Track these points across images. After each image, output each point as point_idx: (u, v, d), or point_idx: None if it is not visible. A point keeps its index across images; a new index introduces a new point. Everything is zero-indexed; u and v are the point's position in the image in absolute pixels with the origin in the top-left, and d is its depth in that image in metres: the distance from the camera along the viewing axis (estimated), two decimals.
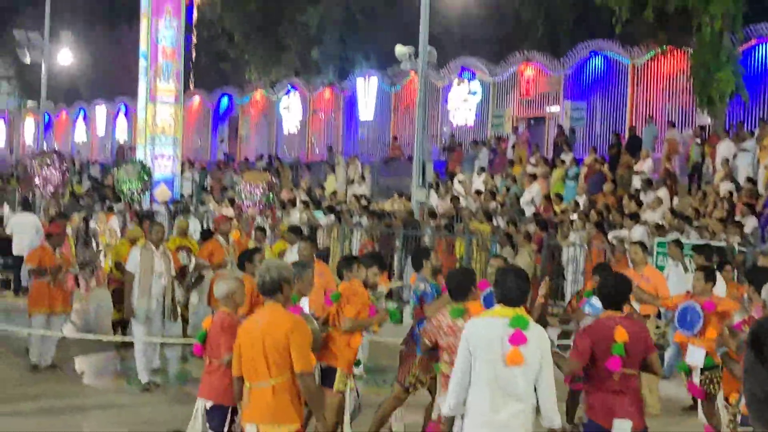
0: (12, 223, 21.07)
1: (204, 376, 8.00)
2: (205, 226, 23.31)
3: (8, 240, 20.90)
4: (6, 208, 25.08)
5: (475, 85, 34.32)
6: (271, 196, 24.74)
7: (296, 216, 24.73)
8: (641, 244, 13.70)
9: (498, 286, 6.85)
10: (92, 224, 21.75)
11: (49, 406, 11.99)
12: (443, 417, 7.07)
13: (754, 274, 9.26)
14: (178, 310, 13.96)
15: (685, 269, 14.44)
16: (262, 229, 18.31)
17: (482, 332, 6.73)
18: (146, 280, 12.85)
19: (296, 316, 7.32)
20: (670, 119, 27.58)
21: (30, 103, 57.35)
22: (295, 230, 15.97)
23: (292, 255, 13.88)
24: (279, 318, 7.03)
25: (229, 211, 26.52)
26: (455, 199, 25.12)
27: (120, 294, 16.24)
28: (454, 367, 6.91)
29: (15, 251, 20.20)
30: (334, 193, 30.01)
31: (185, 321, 16.05)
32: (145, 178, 22.17)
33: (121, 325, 16.09)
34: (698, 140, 24.92)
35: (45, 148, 38.38)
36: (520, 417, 6.65)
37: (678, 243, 15.27)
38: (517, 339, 6.58)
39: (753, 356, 2.53)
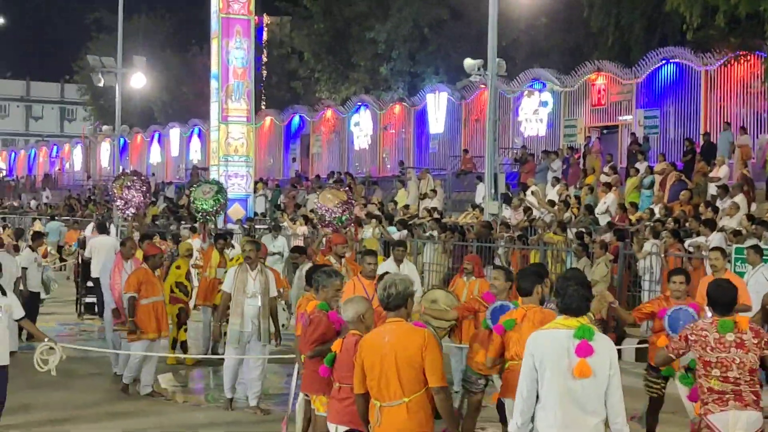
0: (90, 246, 21.15)
1: (333, 402, 7.79)
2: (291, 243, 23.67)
3: (89, 263, 20.93)
4: (88, 230, 25.35)
5: (546, 96, 34.12)
6: (343, 217, 24.81)
7: (369, 232, 24.75)
8: (721, 250, 13.46)
9: (559, 295, 6.72)
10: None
11: (135, 425, 12.12)
12: None
13: None
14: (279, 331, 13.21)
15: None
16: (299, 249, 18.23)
17: (547, 345, 6.56)
18: (239, 301, 12.63)
19: (426, 330, 7.08)
20: (744, 124, 27.17)
21: (105, 127, 58.17)
22: (402, 244, 15.68)
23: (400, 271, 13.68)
24: (409, 333, 6.90)
25: (303, 229, 26.67)
26: (528, 211, 24.98)
27: (183, 313, 16.51)
28: (519, 383, 6.69)
29: (93, 273, 20.21)
30: (406, 207, 29.99)
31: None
32: (221, 199, 22.30)
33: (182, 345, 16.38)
34: None
35: (123, 170, 38.91)
36: (591, 430, 6.49)
37: (757, 249, 15.02)
38: (584, 350, 6.44)
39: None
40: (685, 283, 10.45)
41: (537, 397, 6.56)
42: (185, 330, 16.51)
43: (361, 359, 7.01)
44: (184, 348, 16.44)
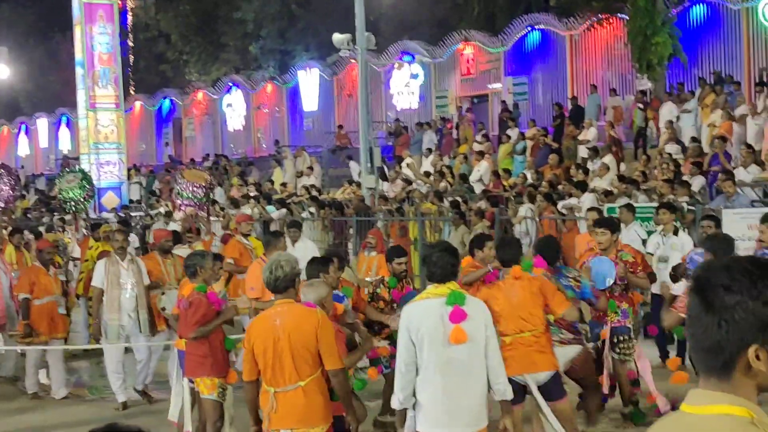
0: None
1: None
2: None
3: None
4: None
5: (416, 68, 34.36)
6: (210, 195, 24.52)
7: (248, 212, 24.60)
8: (597, 209, 13.76)
9: (426, 264, 6.70)
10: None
11: (20, 423, 11.90)
12: (397, 411, 6.89)
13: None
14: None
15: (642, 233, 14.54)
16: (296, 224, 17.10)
17: (422, 316, 6.51)
18: (114, 295, 12.01)
19: (319, 310, 6.87)
20: (611, 87, 27.79)
21: None
22: (297, 226, 15.02)
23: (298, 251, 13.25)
24: (302, 315, 6.71)
25: (180, 214, 26.39)
26: (405, 183, 25.14)
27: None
28: (397, 358, 6.64)
29: None
30: (284, 185, 29.93)
31: None
32: (87, 185, 21.84)
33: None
34: (640, 105, 25.11)
35: None
36: (476, 395, 6.52)
37: (630, 207, 15.35)
38: (458, 316, 6.42)
39: (698, 303, 2.53)
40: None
41: (416, 369, 6.51)
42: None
43: (251, 344, 6.74)
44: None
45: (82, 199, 21.61)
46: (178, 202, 21.95)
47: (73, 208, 21.59)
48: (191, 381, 9.08)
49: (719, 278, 2.50)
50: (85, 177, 22.11)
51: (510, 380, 6.88)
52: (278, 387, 6.66)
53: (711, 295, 2.48)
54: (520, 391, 7.74)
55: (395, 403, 6.68)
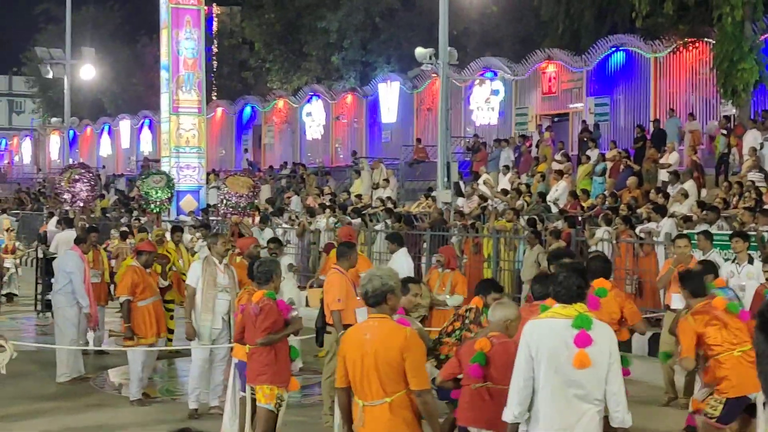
0: (57, 241, 20.11)
1: (475, 401, 7.58)
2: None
3: (54, 259, 19.38)
4: (51, 224, 24.52)
5: (498, 85, 34.23)
6: (254, 202, 24.53)
7: (323, 222, 24.70)
8: (687, 237, 13.53)
9: (556, 283, 6.58)
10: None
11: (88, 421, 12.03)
12: (508, 425, 6.59)
13: None
14: None
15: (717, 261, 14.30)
16: (277, 240, 16.28)
17: (545, 335, 6.43)
18: (209, 296, 11.94)
19: (409, 329, 6.78)
20: (693, 111, 27.42)
21: (54, 120, 57.63)
22: (395, 238, 14.83)
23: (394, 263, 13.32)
24: (391, 332, 6.62)
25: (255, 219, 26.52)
26: (481, 199, 25.04)
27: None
28: (515, 372, 6.53)
29: None
30: (359, 197, 29.98)
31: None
32: (171, 188, 22.17)
33: None
34: (724, 131, 24.75)
35: (70, 163, 38.52)
36: (591, 421, 6.40)
37: (708, 234, 15.09)
38: (583, 340, 6.32)
39: (764, 339, 2.46)
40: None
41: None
42: None
43: (344, 354, 6.77)
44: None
45: (166, 200, 21.89)
46: (222, 209, 22.14)
47: (157, 209, 21.88)
48: (251, 388, 9.10)
49: None
50: (170, 180, 22.51)
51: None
52: (366, 401, 6.62)
53: None
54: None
55: (509, 417, 6.52)
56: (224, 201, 21.99)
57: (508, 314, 7.55)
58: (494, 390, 7.48)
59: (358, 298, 10.88)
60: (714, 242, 14.65)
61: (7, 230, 25.62)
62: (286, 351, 9.07)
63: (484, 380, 7.55)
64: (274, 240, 15.39)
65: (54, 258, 19.51)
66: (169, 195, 22.36)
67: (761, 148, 22.55)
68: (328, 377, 11.07)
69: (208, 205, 32.73)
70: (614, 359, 6.46)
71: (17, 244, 25.73)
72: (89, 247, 15.10)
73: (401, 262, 13.54)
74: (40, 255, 21.76)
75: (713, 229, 16.15)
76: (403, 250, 14.14)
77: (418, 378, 6.58)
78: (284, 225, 25.42)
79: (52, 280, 19.99)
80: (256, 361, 8.99)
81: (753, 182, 20.51)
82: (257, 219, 24.44)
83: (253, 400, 9.11)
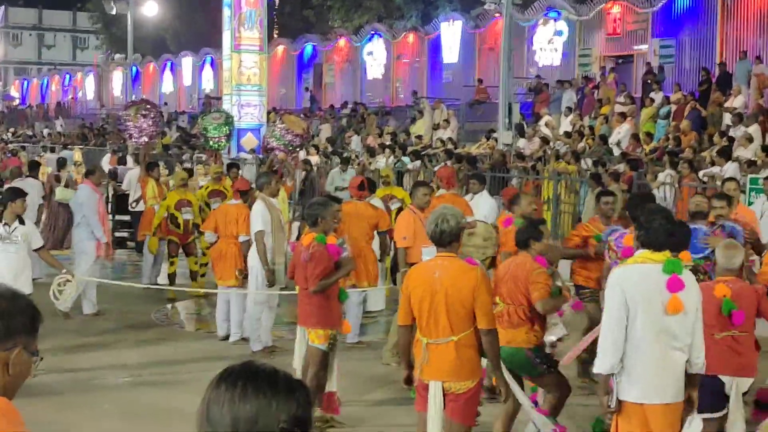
0: (129, 178, 19.76)
1: (726, 350, 7.60)
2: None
3: (126, 196, 19.65)
4: (105, 161, 24.61)
5: (561, 25, 33.83)
6: (304, 144, 24.48)
7: (383, 162, 24.72)
8: (735, 180, 13.37)
9: (644, 229, 6.39)
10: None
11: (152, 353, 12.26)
12: (600, 376, 6.44)
13: None
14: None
15: None
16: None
17: (639, 281, 6.28)
18: (280, 239, 11.88)
19: (479, 269, 6.82)
20: (761, 54, 26.91)
21: (117, 56, 58.04)
22: (479, 178, 14.40)
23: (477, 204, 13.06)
24: (462, 271, 6.67)
25: (315, 159, 26.61)
26: (543, 141, 24.88)
27: (176, 247, 16.08)
28: (607, 320, 6.34)
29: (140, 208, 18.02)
30: (419, 137, 29.92)
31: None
32: (230, 126, 22.22)
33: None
34: None
35: (134, 99, 38.81)
36: (681, 368, 6.32)
37: None
38: (676, 285, 6.20)
39: None
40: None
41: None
42: (172, 263, 16.18)
43: (409, 291, 6.81)
44: (171, 280, 16.09)
45: (224, 137, 21.96)
46: (273, 143, 22.14)
47: (215, 146, 21.97)
48: (303, 330, 9.15)
49: None
50: (229, 117, 22.57)
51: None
52: (431, 338, 6.69)
53: None
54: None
55: (604, 368, 6.31)
56: (277, 136, 21.94)
57: (740, 259, 7.57)
58: (740, 337, 7.60)
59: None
60: None
61: (75, 164, 25.83)
62: (336, 293, 9.08)
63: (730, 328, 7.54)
64: (475, 176, 14.76)
65: (126, 195, 19.73)
66: (228, 132, 22.38)
67: None
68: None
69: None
70: (700, 306, 6.39)
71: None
72: (99, 179, 14.77)
73: (485, 202, 13.48)
74: (111, 192, 21.83)
75: None
76: (485, 192, 14.08)
77: (488, 317, 6.66)
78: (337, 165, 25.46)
79: (122, 217, 20.31)
80: (307, 304, 9.01)
81: None
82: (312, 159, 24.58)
83: (306, 339, 9.17)
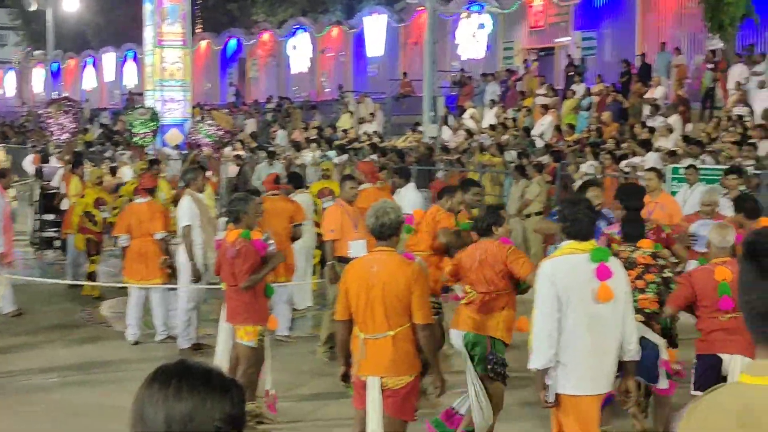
0: (59, 176, 19.29)
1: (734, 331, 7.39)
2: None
3: (54, 194, 19.03)
4: (27, 161, 24.08)
5: (484, 18, 34.04)
6: (230, 140, 24.50)
7: (309, 156, 24.70)
8: (656, 170, 13.61)
9: (568, 220, 6.43)
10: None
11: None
12: (535, 371, 6.44)
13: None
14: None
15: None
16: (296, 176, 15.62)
17: (569, 271, 6.31)
18: (210, 233, 11.77)
19: (417, 263, 6.88)
20: (680, 45, 27.35)
21: (37, 52, 57.13)
22: (403, 172, 14.45)
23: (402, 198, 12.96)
24: (400, 265, 6.67)
25: (240, 153, 26.49)
26: (468, 134, 25.04)
27: (95, 245, 15.80)
28: (540, 314, 6.35)
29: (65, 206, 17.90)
30: (345, 131, 29.93)
31: None
32: (155, 122, 22.08)
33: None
34: (710, 65, 24.73)
35: (56, 96, 38.27)
36: (614, 356, 6.37)
37: (695, 168, 15.30)
38: (604, 273, 6.25)
39: (752, 269, 2.49)
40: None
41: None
42: (92, 262, 15.90)
43: (346, 286, 6.78)
44: (92, 279, 15.75)
45: (150, 133, 21.78)
46: (201, 139, 22.09)
47: (141, 142, 21.76)
48: (231, 327, 9.11)
49: None
50: (154, 114, 22.43)
51: None
52: (368, 333, 6.67)
53: (766, 259, 2.44)
54: None
55: (540, 363, 6.35)
56: (205, 132, 21.91)
57: (732, 236, 7.51)
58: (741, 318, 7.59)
59: (356, 230, 11.02)
60: (700, 176, 14.81)
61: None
62: (263, 289, 9.04)
63: (734, 310, 7.34)
64: (295, 176, 15.00)
65: (55, 193, 19.27)
66: (155, 128, 22.25)
67: (746, 82, 22.57)
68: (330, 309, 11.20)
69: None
70: (629, 290, 6.50)
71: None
72: (8, 182, 14.44)
73: (410, 197, 13.52)
74: (38, 191, 21.24)
75: (698, 164, 16.25)
76: (411, 185, 14.13)
77: (423, 311, 6.66)
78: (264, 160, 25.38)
79: (49, 216, 19.83)
80: (234, 300, 8.96)
81: (739, 116, 20.56)
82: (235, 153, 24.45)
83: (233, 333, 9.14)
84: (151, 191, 13.07)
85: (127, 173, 21.06)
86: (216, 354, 9.40)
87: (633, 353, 6.46)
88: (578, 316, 6.26)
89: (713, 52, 25.64)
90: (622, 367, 6.50)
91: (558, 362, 6.31)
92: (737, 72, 23.00)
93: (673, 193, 15.17)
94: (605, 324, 6.31)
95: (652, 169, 13.93)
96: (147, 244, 12.55)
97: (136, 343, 12.54)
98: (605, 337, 6.33)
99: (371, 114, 30.62)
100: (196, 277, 11.80)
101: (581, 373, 6.29)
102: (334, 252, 11.21)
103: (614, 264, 6.43)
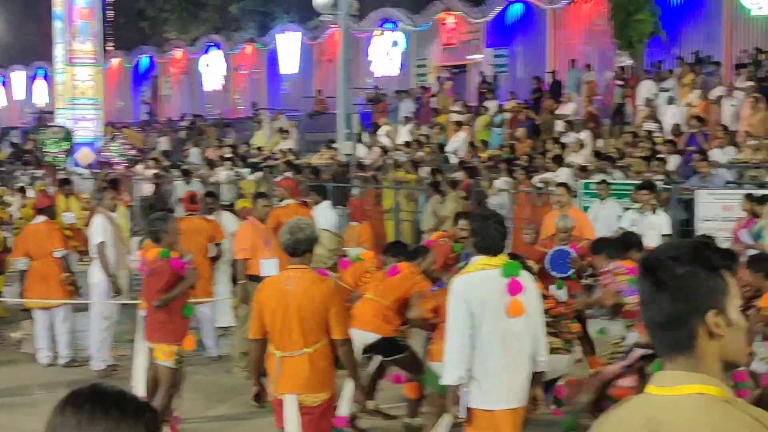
0: None
1: None
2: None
3: None
4: None
5: (397, 36, 34.25)
6: (142, 158, 24.43)
7: (223, 174, 24.54)
8: (566, 185, 13.84)
9: (479, 235, 6.46)
10: None
11: None
12: (449, 387, 6.47)
13: None
14: None
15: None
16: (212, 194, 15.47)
17: (482, 287, 6.32)
18: (121, 251, 11.81)
19: (332, 280, 6.93)
20: (590, 62, 27.79)
21: None
22: (319, 190, 14.72)
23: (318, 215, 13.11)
24: (315, 283, 6.65)
25: (151, 172, 26.20)
26: (382, 151, 25.11)
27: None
28: (451, 331, 6.38)
29: None
30: (260, 149, 29.81)
31: None
32: (69, 141, 21.85)
33: None
34: (619, 82, 25.16)
35: None
36: (528, 369, 6.42)
37: (606, 183, 15.59)
38: (515, 288, 6.30)
39: (649, 284, 2.59)
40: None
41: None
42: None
43: (260, 304, 6.74)
44: None
45: (62, 152, 21.53)
46: (113, 158, 21.94)
47: (52, 161, 21.47)
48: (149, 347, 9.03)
49: (667, 253, 2.58)
50: (68, 133, 22.15)
51: None
52: (285, 351, 6.64)
53: (661, 271, 2.55)
54: None
55: (452, 379, 6.37)
56: (117, 151, 21.78)
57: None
58: None
59: (267, 249, 10.99)
60: (611, 191, 15.10)
61: None
62: (179, 308, 8.93)
63: None
64: (211, 194, 14.85)
65: None
66: (68, 148, 22.01)
67: (655, 98, 23.00)
68: (242, 327, 11.17)
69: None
70: (540, 304, 6.58)
71: None
72: None
73: (325, 215, 13.53)
74: None
75: (609, 179, 16.52)
76: (327, 203, 14.15)
77: (341, 327, 6.68)
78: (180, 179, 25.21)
79: None
80: (151, 319, 8.90)
81: (648, 132, 20.94)
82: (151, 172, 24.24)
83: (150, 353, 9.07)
84: (46, 211, 12.84)
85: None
86: (133, 375, 9.28)
87: (543, 365, 6.53)
88: (491, 331, 6.29)
89: (622, 68, 26.12)
90: (532, 378, 6.55)
91: (471, 377, 6.32)
92: (646, 88, 23.43)
93: (585, 208, 15.42)
94: (518, 338, 6.35)
95: (561, 184, 14.15)
96: (48, 264, 12.37)
97: (50, 365, 12.31)
98: (518, 352, 6.37)
99: (285, 131, 30.53)
100: (117, 292, 11.68)
101: (495, 388, 6.31)
102: (245, 270, 11.18)
103: (525, 278, 6.47)
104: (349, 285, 9.27)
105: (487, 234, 6.41)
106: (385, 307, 8.89)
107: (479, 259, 6.46)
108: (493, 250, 6.42)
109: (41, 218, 12.71)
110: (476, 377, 6.32)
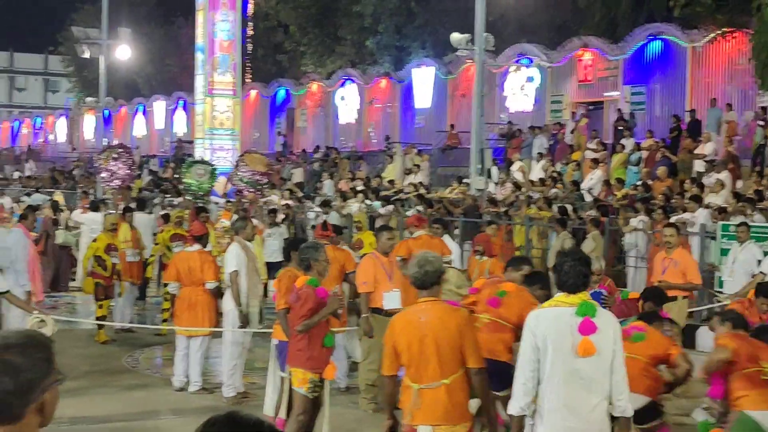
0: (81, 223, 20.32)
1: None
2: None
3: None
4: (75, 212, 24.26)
5: (533, 71, 34.09)
6: (270, 181, 24.73)
7: (355, 206, 24.73)
8: (675, 226, 13.66)
9: (557, 272, 6.51)
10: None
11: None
12: (512, 416, 6.56)
13: None
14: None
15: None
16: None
17: (550, 324, 6.35)
18: (255, 281, 12.05)
19: (463, 309, 7.02)
20: (730, 101, 27.20)
21: (89, 99, 57.86)
22: (441, 223, 14.86)
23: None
24: (448, 313, 6.77)
25: (286, 203, 26.59)
26: (515, 186, 24.98)
27: (104, 290, 15.79)
28: (519, 362, 6.47)
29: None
30: (391, 182, 29.97)
31: None
32: (213, 180, 22.38)
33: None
34: (761, 122, 24.56)
35: (107, 143, 38.68)
36: (597, 410, 6.32)
37: (746, 225, 15.20)
38: (587, 328, 6.26)
39: None
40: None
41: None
42: (100, 306, 15.86)
43: (394, 339, 6.81)
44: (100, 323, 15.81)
45: (206, 190, 22.02)
46: (236, 185, 22.23)
47: (192, 197, 21.95)
48: (290, 371, 9.12)
49: None
50: (213, 171, 22.68)
51: None
52: (422, 383, 6.69)
53: None
54: None
55: (515, 409, 6.43)
56: (243, 179, 22.07)
57: None
58: None
59: (390, 282, 10.99)
60: (751, 234, 14.68)
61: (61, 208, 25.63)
62: (321, 336, 8.97)
63: None
64: (437, 221, 15.15)
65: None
66: (211, 185, 22.52)
67: None
68: (365, 360, 11.18)
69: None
70: (618, 346, 6.41)
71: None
72: (32, 224, 14.36)
73: (452, 246, 13.58)
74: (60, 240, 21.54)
75: (748, 221, 16.10)
76: (447, 236, 14.13)
77: (476, 356, 6.74)
78: (316, 209, 25.50)
79: None
80: (292, 345, 9.04)
81: None
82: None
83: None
84: (201, 239, 13.06)
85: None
86: (264, 404, 9.35)
87: (622, 409, 6.38)
88: (555, 367, 6.29)
89: (764, 108, 25.49)
90: (616, 423, 6.45)
91: (536, 410, 6.37)
92: None
93: (724, 251, 15.05)
94: (584, 378, 6.29)
95: (670, 224, 13.91)
96: (197, 293, 12.55)
97: (180, 389, 12.50)
98: (583, 391, 6.30)
99: (417, 165, 30.65)
100: (243, 323, 11.80)
101: (555, 423, 6.31)
102: (368, 304, 11.17)
103: (602, 319, 6.38)
104: (511, 323, 8.94)
105: (563, 271, 6.44)
106: None
107: (558, 296, 6.51)
108: (568, 287, 6.42)
109: (196, 246, 12.91)
110: (539, 410, 6.37)
